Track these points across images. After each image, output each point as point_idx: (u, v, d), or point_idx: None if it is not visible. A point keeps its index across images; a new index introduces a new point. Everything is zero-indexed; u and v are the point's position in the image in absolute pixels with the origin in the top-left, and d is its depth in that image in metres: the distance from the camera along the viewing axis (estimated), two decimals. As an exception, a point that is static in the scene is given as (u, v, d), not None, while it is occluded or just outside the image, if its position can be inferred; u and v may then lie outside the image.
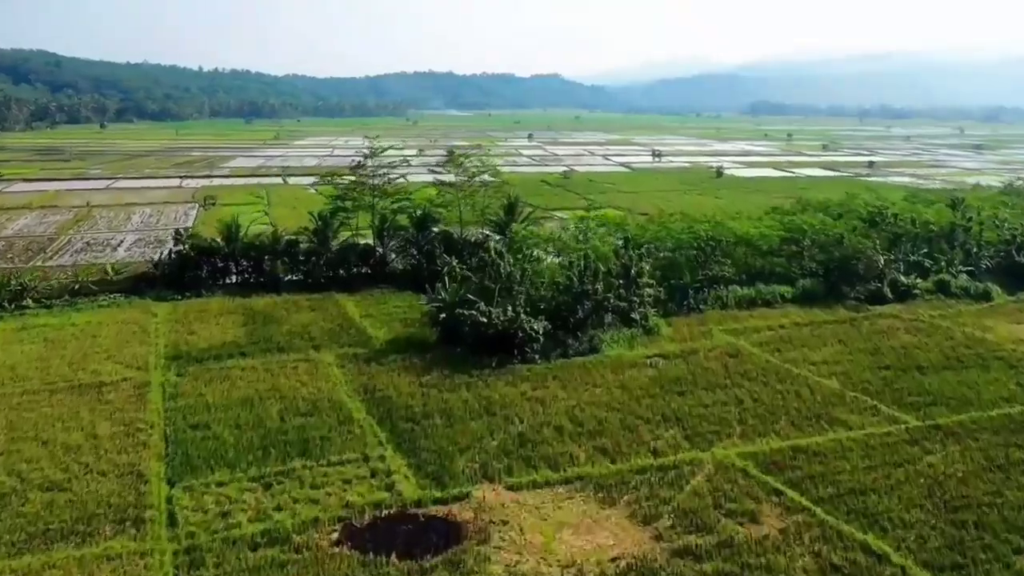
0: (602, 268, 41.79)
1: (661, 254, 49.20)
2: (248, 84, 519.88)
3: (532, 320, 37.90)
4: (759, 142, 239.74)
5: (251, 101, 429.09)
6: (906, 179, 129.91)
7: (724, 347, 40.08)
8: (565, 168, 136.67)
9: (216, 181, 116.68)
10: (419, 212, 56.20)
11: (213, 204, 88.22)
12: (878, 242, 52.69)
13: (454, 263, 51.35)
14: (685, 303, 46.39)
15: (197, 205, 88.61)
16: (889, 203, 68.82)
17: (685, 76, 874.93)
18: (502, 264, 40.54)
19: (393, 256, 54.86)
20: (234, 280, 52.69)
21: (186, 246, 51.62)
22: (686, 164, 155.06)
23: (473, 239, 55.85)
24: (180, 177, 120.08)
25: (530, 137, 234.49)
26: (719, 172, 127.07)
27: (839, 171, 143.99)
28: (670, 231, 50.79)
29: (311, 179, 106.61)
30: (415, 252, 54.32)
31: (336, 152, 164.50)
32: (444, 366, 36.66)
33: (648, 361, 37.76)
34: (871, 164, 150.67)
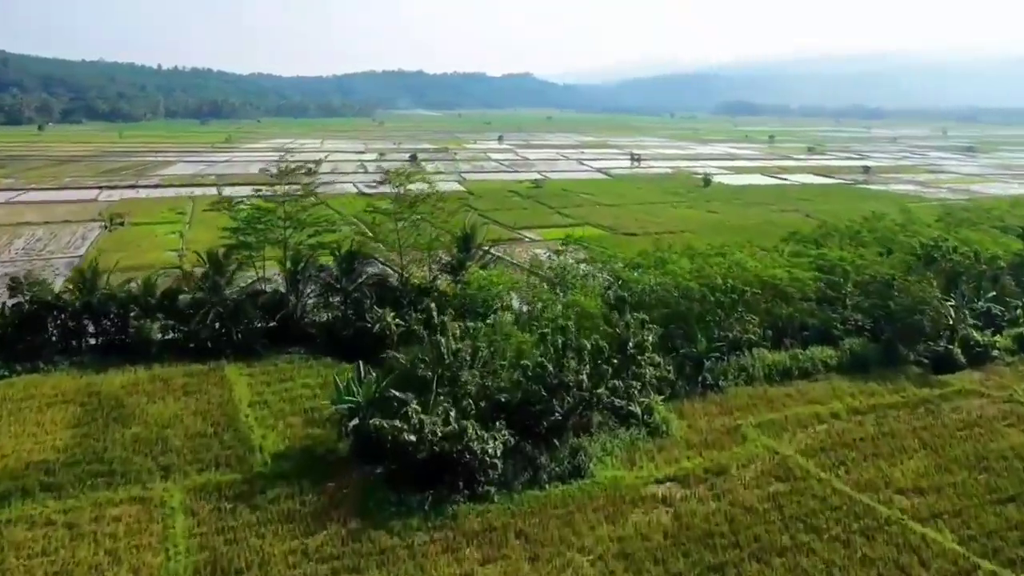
0: (587, 344, 29.16)
1: (661, 295, 37.24)
2: (209, 83, 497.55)
3: (486, 435, 25.21)
4: (740, 144, 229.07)
5: (211, 100, 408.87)
6: (908, 187, 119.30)
7: (764, 460, 27.78)
8: (537, 175, 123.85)
9: (142, 192, 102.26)
10: (347, 247, 43.20)
11: (121, 224, 74.39)
12: (936, 284, 40.94)
13: (389, 318, 38.84)
14: (700, 379, 34.02)
15: (101, 225, 74.54)
16: (924, 225, 57.69)
17: (658, 76, 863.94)
18: (444, 342, 27.79)
19: (310, 305, 41.86)
20: (96, 342, 39.38)
21: (25, 299, 38.14)
22: (668, 170, 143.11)
23: (418, 283, 43.07)
24: (100, 188, 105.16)
25: (500, 139, 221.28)
26: (707, 180, 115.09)
27: (833, 177, 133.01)
28: (675, 276, 38.34)
29: (249, 189, 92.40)
30: (339, 300, 41.43)
31: (289, 157, 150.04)
32: (351, 511, 23.94)
33: (659, 493, 25.38)
34: (866, 170, 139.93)
